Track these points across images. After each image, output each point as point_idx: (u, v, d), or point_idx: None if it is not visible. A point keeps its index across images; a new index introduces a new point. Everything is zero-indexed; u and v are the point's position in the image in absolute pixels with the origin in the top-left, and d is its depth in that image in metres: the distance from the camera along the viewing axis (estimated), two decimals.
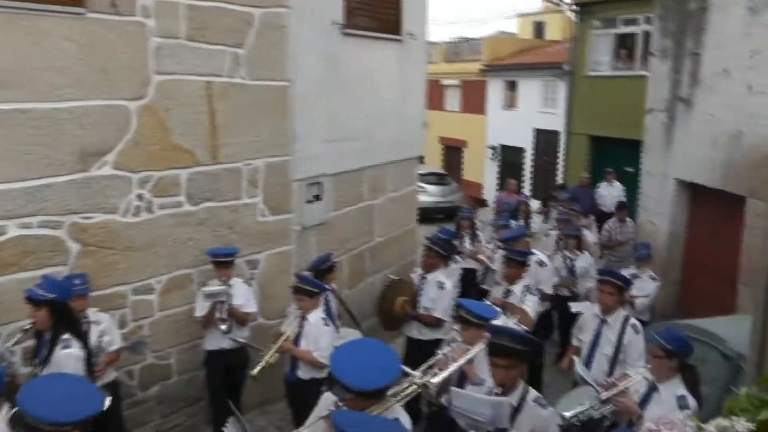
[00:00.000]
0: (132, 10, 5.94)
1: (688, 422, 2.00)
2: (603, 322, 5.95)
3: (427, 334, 7.05)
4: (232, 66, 6.80)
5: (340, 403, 3.81)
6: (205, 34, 6.52)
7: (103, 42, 5.78)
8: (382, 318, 7.43)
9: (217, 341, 6.64)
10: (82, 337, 5.19)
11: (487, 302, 6.61)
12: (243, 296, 6.71)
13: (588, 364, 5.85)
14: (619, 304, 6.04)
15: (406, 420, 3.88)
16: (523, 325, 6.26)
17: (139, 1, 5.97)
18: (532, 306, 6.78)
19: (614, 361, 5.79)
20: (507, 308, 6.67)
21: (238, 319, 6.63)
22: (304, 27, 7.48)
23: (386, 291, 7.64)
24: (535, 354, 7.64)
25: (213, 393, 6.87)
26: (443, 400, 4.99)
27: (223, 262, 6.59)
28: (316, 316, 6.16)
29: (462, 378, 5.01)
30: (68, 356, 4.92)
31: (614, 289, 5.97)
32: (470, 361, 5.02)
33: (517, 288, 6.95)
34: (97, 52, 5.75)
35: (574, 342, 6.33)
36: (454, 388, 4.66)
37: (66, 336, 4.97)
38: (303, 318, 6.14)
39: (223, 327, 6.52)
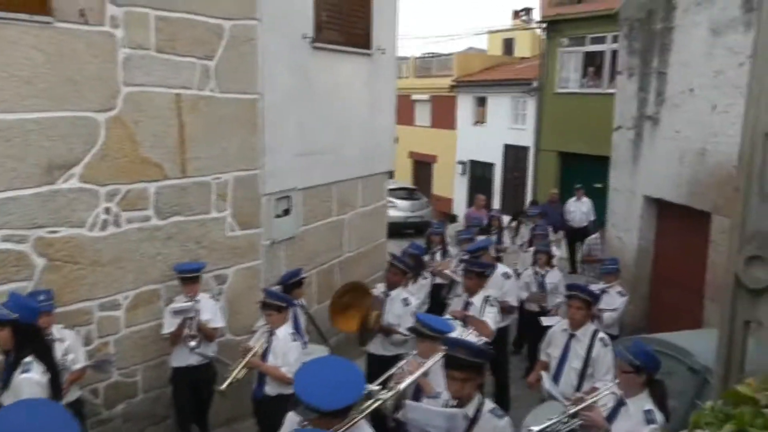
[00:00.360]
0: (101, 20, 5.87)
1: None
2: (572, 336, 5.98)
3: (391, 350, 7.02)
4: (201, 78, 6.76)
5: (305, 423, 3.76)
6: (175, 45, 6.48)
7: (71, 52, 5.71)
8: (333, 313, 7.38)
9: (183, 358, 6.55)
10: (48, 359, 4.95)
11: (447, 314, 6.63)
12: (210, 311, 6.64)
13: (557, 378, 5.88)
14: (588, 319, 6.08)
15: None
16: (482, 337, 6.27)
17: (108, 11, 5.91)
18: (491, 317, 6.78)
19: (583, 375, 5.82)
20: (467, 320, 6.68)
21: (206, 334, 6.56)
22: (274, 40, 7.47)
23: (346, 292, 7.59)
24: (500, 368, 7.70)
25: (180, 410, 6.77)
26: (399, 414, 4.99)
27: (189, 278, 6.52)
28: (284, 331, 6.11)
29: (417, 391, 5.00)
30: (26, 381, 4.69)
31: (582, 303, 6.00)
32: (425, 374, 5.01)
33: (477, 299, 6.94)
34: (65, 62, 5.68)
35: (542, 357, 6.35)
36: (409, 402, 4.65)
37: (28, 359, 4.76)
38: (271, 333, 6.08)
39: (192, 343, 6.43)
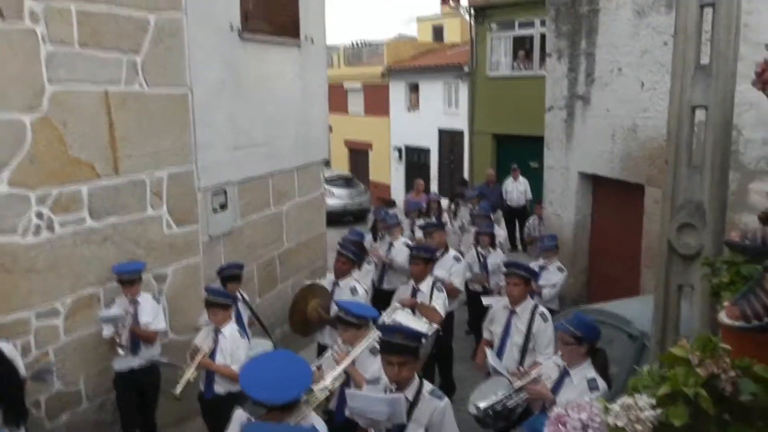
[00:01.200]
0: (20, 16, 5.62)
1: (595, 403, 2.06)
2: (512, 312, 6.07)
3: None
4: (129, 73, 6.58)
5: (253, 420, 3.74)
6: (99, 40, 6.28)
7: None
8: (294, 323, 7.31)
9: (126, 361, 6.39)
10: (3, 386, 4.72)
11: (396, 302, 6.65)
12: (150, 313, 6.48)
13: (500, 354, 5.97)
14: (526, 295, 6.18)
15: (322, 427, 3.87)
16: (433, 323, 6.32)
17: (27, 6, 5.66)
18: (440, 303, 6.84)
19: (525, 350, 5.92)
20: (416, 307, 6.73)
21: (146, 338, 6.42)
22: (201, 32, 7.35)
23: (299, 296, 7.53)
24: (443, 354, 7.76)
25: (125, 414, 6.61)
26: (331, 405, 5.03)
27: (129, 279, 6.34)
28: (231, 328, 6.05)
29: (348, 380, 5.03)
30: None
31: (519, 279, 6.09)
32: (353, 363, 5.05)
33: (425, 286, 6.99)
34: None
35: (486, 334, 6.44)
36: (348, 390, 4.66)
37: None
38: (217, 332, 6.00)
39: (122, 352, 6.28)
